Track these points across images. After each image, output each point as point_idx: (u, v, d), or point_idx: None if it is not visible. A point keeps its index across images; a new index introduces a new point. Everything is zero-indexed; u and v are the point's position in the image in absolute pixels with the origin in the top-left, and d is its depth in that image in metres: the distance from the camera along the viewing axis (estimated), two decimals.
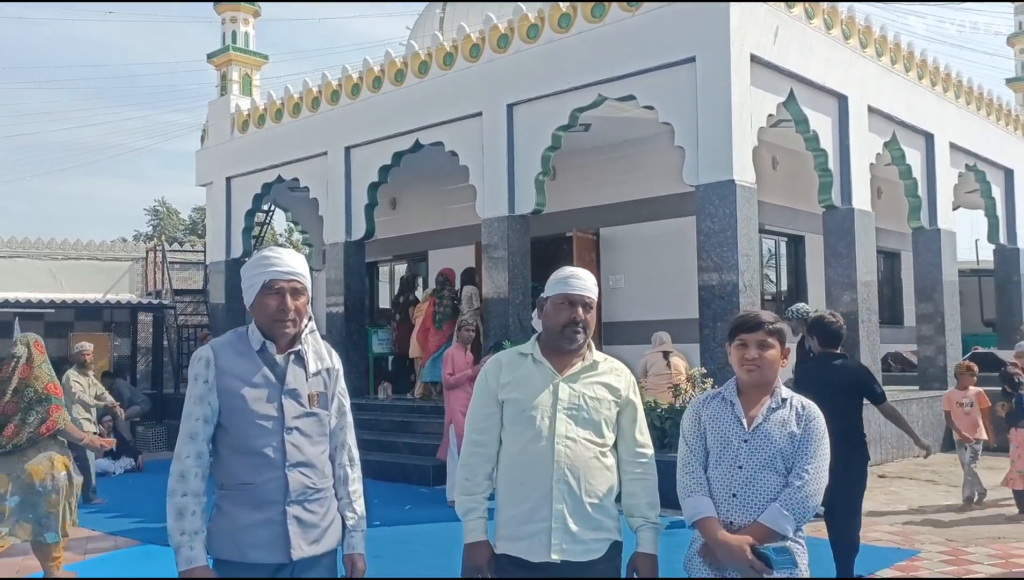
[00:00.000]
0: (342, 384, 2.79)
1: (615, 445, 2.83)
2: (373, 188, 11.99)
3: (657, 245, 11.69)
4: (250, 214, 14.21)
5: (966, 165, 13.27)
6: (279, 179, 13.43)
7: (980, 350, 14.08)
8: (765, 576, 2.60)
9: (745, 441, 2.75)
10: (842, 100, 10.21)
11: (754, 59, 8.86)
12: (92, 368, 9.05)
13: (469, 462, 2.84)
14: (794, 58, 9.39)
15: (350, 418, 2.81)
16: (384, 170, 11.82)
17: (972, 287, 17.28)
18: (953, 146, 12.63)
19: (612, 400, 2.81)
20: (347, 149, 12.21)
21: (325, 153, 12.47)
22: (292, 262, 2.61)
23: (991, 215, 14.38)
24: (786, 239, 12.76)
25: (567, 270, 2.91)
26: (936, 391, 11.59)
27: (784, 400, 2.80)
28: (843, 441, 4.30)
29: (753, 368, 2.79)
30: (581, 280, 2.85)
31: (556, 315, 2.82)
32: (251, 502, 2.53)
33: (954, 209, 13.22)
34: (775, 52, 9.12)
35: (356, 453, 2.81)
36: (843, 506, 4.93)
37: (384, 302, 15.79)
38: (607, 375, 2.85)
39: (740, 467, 2.73)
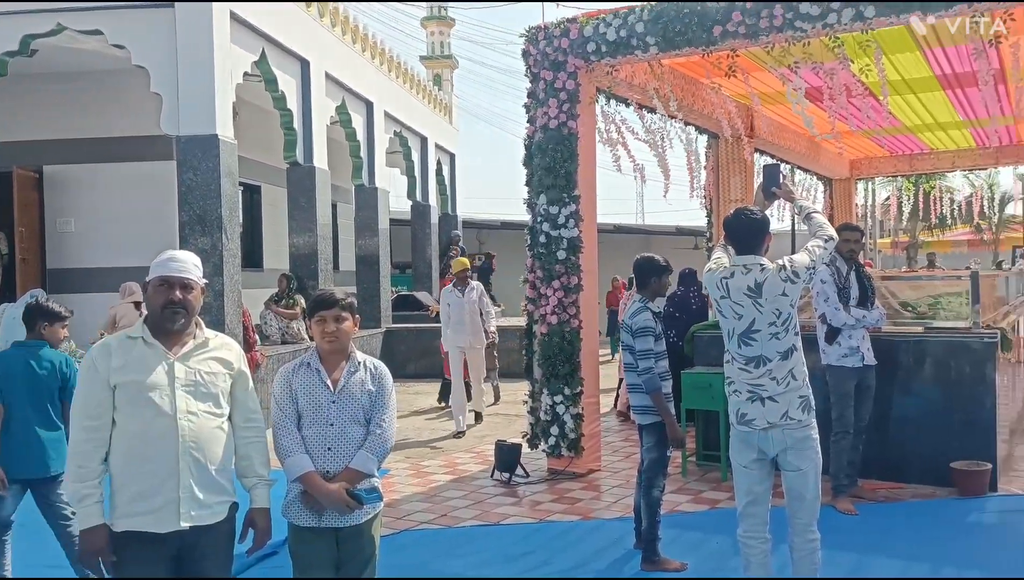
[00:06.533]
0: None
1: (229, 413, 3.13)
2: None
3: (123, 187, 11.11)
4: None
5: (395, 131, 15.25)
6: None
7: (403, 292, 16.46)
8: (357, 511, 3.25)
9: (333, 402, 3.28)
10: (305, 65, 10.96)
11: (233, 16, 9.04)
12: None
13: (83, 449, 2.87)
14: (267, 20, 9.80)
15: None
16: None
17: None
18: (387, 114, 14.42)
19: (226, 373, 3.08)
20: None
21: None
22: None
23: (411, 175, 16.73)
24: (242, 188, 13.17)
25: (167, 253, 3.07)
26: (372, 330, 13.36)
27: (359, 362, 3.38)
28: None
29: (333, 339, 3.31)
30: (179, 262, 3.03)
31: (156, 297, 2.98)
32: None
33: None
34: (251, 12, 9.41)
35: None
36: None
37: None
38: (219, 350, 3.10)
39: (331, 424, 3.26)
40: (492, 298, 17.71)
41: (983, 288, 6.58)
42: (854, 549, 4.96)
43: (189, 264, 3.05)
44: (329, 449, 3.24)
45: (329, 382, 3.29)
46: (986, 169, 18.01)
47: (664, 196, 7.78)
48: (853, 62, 7.32)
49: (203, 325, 3.12)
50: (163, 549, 2.88)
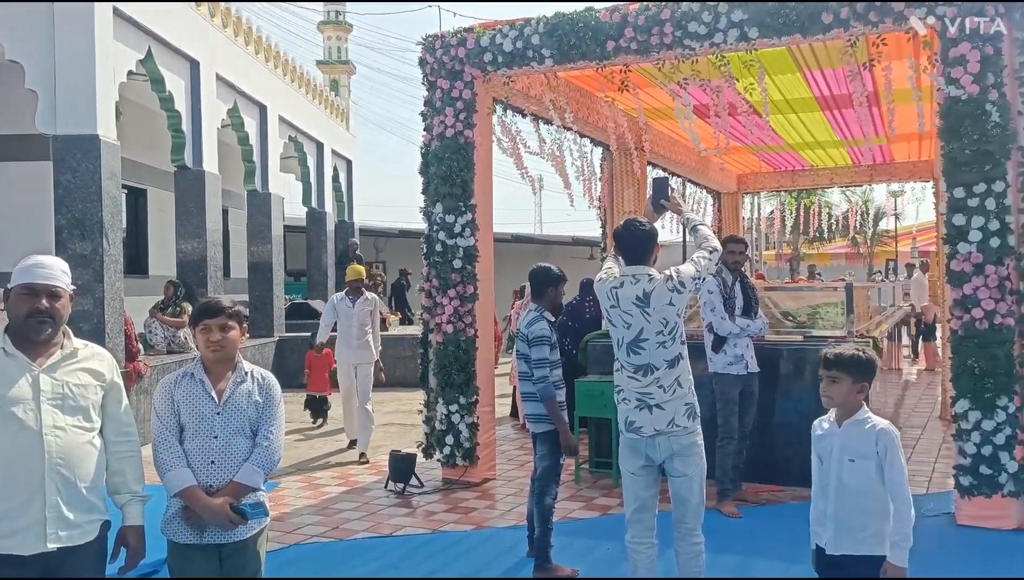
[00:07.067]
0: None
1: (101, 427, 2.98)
2: None
3: None
4: None
5: (289, 136, 14.94)
6: None
7: (297, 300, 16.12)
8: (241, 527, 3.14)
9: (218, 414, 3.16)
10: (195, 65, 10.62)
11: (116, 12, 8.68)
12: None
13: None
14: (154, 18, 9.45)
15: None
16: None
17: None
18: (281, 119, 14.12)
19: (97, 385, 2.93)
20: None
21: None
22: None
23: (306, 181, 16.42)
24: (127, 191, 12.64)
25: (32, 259, 2.89)
26: (265, 338, 13.01)
27: (246, 373, 3.26)
28: None
29: (218, 348, 3.18)
30: (46, 268, 2.86)
31: (19, 305, 2.81)
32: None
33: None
34: (136, 8, 9.05)
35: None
36: None
37: None
38: (90, 361, 2.94)
39: (215, 437, 3.14)
40: (409, 311, 17.55)
41: (857, 299, 6.92)
42: (738, 551, 5.12)
43: (56, 270, 2.88)
44: (212, 462, 3.13)
45: (214, 393, 3.17)
46: (861, 186, 19.06)
47: (572, 205, 7.91)
48: (739, 81, 7.60)
49: (71, 334, 2.96)
50: (25, 572, 2.71)
